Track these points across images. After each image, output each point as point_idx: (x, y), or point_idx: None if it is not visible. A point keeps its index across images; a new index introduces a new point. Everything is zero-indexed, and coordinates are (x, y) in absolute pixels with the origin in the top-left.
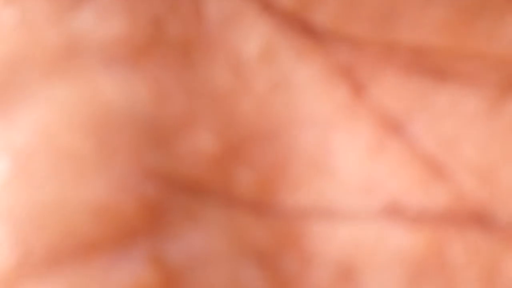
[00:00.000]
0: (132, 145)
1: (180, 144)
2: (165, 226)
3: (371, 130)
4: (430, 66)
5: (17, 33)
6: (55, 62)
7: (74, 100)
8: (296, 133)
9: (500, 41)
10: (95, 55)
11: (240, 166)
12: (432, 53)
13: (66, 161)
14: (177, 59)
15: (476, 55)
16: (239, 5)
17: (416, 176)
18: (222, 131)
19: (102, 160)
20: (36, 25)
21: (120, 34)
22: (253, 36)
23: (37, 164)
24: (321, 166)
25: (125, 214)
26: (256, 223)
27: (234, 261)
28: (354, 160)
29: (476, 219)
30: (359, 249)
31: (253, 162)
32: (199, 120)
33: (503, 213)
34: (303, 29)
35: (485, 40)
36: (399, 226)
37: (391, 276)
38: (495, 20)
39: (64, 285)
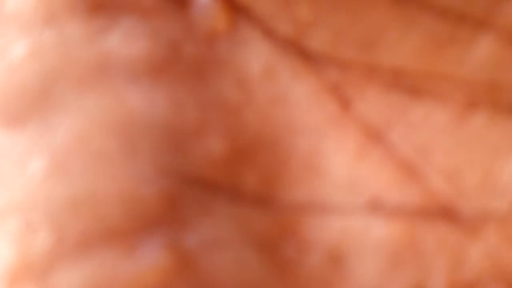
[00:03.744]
0: (152, 147)
1: (194, 147)
2: (181, 217)
3: (356, 138)
4: (407, 84)
5: (55, 51)
6: (87, 76)
7: (103, 108)
8: (293, 140)
9: (467, 64)
10: (122, 71)
11: (245, 166)
12: (409, 74)
13: (95, 160)
14: (191, 75)
15: (446, 76)
16: (245, 30)
17: (394, 177)
18: (230, 136)
19: (127, 160)
20: (72, 44)
21: (143, 53)
22: (256, 57)
23: (71, 162)
24: (314, 168)
25: (147, 206)
26: (259, 215)
27: (240, 248)
28: (342, 163)
29: (445, 213)
30: (347, 238)
31: (256, 163)
32: (210, 127)
33: (467, 208)
34: (299, 52)
35: (454, 63)
36: (379, 219)
37: (374, 261)
38: (463, 47)
39: (93, 266)
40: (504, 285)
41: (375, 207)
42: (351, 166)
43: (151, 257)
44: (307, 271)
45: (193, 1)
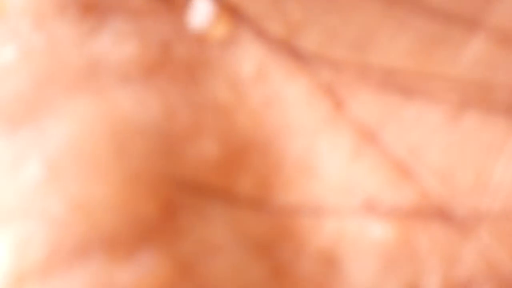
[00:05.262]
0: (145, 151)
1: (187, 151)
2: (177, 223)
3: (350, 138)
4: (399, 85)
5: (45, 55)
6: (78, 80)
7: (95, 112)
8: (287, 141)
9: (459, 64)
10: (112, 74)
11: (239, 169)
12: (401, 74)
13: (89, 166)
14: (183, 77)
15: (438, 76)
16: (236, 31)
17: (388, 177)
18: (223, 139)
19: (120, 164)
20: (62, 48)
21: (134, 56)
22: (249, 59)
23: (64, 168)
24: (308, 169)
25: (142, 213)
26: (254, 218)
27: (236, 251)
28: (336, 164)
29: (438, 213)
30: (342, 239)
31: (250, 165)
32: (203, 129)
33: (460, 208)
34: (291, 53)
35: (445, 63)
36: (374, 220)
37: (368, 262)
38: (454, 47)
39: (89, 274)
40: (497, 284)
41: (370, 208)
42: (345, 167)
43: (148, 264)
44: (303, 272)
45: (184, 2)
